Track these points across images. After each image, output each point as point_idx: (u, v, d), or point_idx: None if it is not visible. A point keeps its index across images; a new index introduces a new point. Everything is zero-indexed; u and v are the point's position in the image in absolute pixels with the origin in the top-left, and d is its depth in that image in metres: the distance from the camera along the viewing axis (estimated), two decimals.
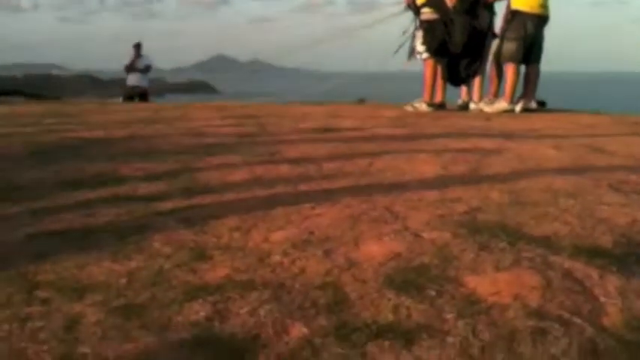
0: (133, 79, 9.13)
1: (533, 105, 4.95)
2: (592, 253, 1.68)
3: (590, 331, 1.30)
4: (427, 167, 3.14)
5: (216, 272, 1.66)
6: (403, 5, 4.67)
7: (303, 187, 2.71)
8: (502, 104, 4.68)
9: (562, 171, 2.97)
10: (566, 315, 1.36)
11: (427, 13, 4.56)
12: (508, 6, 4.51)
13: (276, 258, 1.74)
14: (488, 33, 4.67)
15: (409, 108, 5.40)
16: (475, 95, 5.27)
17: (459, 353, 1.22)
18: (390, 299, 1.44)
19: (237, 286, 1.56)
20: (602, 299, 1.44)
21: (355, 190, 2.56)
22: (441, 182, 2.74)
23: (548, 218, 2.03)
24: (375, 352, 1.23)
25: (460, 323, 1.32)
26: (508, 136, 4.17)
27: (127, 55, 9.08)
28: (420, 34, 4.75)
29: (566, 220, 2.00)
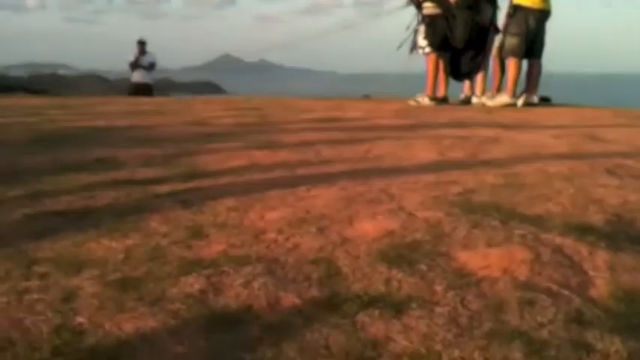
0: (137, 76, 9.02)
1: (535, 99, 4.95)
2: (583, 231, 1.70)
3: (577, 301, 1.33)
4: (425, 153, 3.16)
5: (211, 248, 1.69)
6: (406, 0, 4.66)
7: (300, 171, 2.74)
8: (504, 98, 4.68)
9: (558, 156, 2.99)
10: (555, 287, 1.38)
11: (429, 8, 4.56)
12: (510, 1, 4.50)
13: (271, 235, 1.77)
14: (490, 28, 4.67)
15: (412, 102, 5.42)
16: (478, 90, 5.27)
17: (447, 322, 1.24)
18: (381, 272, 1.46)
19: (231, 260, 1.59)
20: (591, 273, 1.46)
21: (352, 174, 2.58)
22: (437, 167, 2.76)
23: (541, 199, 2.05)
24: (365, 321, 1.26)
25: (449, 294, 1.35)
26: (507, 126, 4.18)
27: (131, 53, 9.01)
28: (422, 28, 4.74)
29: (559, 201, 2.02)
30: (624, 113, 5.21)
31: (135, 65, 8.99)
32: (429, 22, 4.50)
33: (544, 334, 1.20)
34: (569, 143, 3.47)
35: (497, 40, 4.76)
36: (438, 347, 1.16)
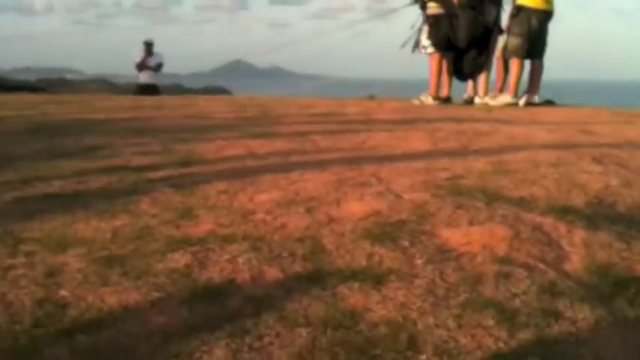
0: (144, 77, 8.85)
1: (537, 99, 4.97)
2: (563, 211, 1.74)
3: (551, 274, 1.36)
4: (419, 143, 3.20)
5: (199, 227, 1.73)
6: None
7: (294, 159, 2.77)
8: (506, 98, 4.70)
9: (548, 147, 3.02)
10: (532, 261, 1.42)
11: (433, 8, 4.57)
12: (513, 1, 4.50)
13: (260, 215, 1.80)
14: (494, 28, 4.67)
15: (416, 101, 5.45)
16: (481, 90, 5.28)
17: (424, 293, 1.28)
18: (364, 248, 1.50)
19: (218, 238, 1.62)
20: (567, 249, 1.49)
21: (346, 161, 2.62)
22: (429, 155, 2.80)
23: (526, 183, 2.08)
24: (345, 293, 1.30)
25: (429, 268, 1.39)
26: (504, 121, 4.21)
27: (138, 54, 8.84)
28: (425, 28, 4.75)
29: (543, 185, 2.05)
30: (621, 112, 5.23)
31: (142, 66, 8.81)
32: (433, 22, 4.52)
33: (517, 303, 1.24)
34: (560, 136, 3.50)
35: (501, 40, 4.76)
36: (414, 316, 1.20)
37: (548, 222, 1.64)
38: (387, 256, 1.45)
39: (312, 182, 2.17)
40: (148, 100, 6.53)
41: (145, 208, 1.97)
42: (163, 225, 1.77)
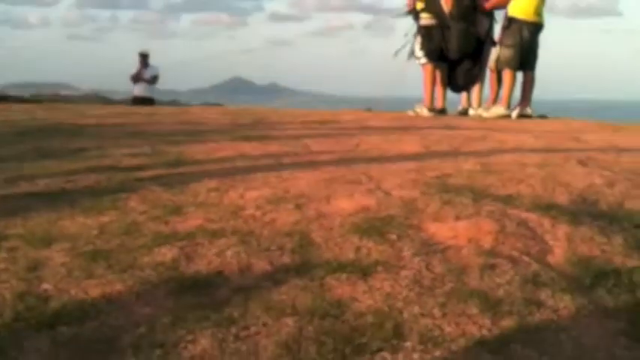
0: (139, 90, 8.58)
1: (529, 111, 5.06)
2: (548, 208, 1.77)
3: (535, 266, 1.38)
4: (410, 147, 3.23)
5: (188, 223, 1.73)
6: (406, 9, 4.73)
7: (286, 160, 2.79)
8: (499, 109, 4.76)
9: (536, 150, 3.07)
10: (516, 254, 1.44)
11: (425, 19, 4.63)
12: (505, 13, 4.59)
13: (249, 211, 1.81)
14: (487, 40, 4.73)
15: (411, 113, 5.51)
16: (474, 102, 5.35)
17: (410, 283, 1.30)
18: (352, 242, 1.51)
19: (207, 233, 1.63)
20: (551, 242, 1.52)
21: (337, 162, 2.64)
22: (420, 157, 2.83)
23: (513, 181, 2.11)
24: (332, 284, 1.31)
25: (415, 260, 1.40)
26: (495, 129, 4.26)
27: (133, 65, 8.62)
28: (418, 39, 4.81)
29: (529, 183, 2.08)
30: (610, 124, 5.32)
31: (137, 78, 8.60)
32: (425, 33, 4.58)
33: (500, 293, 1.26)
34: (548, 142, 3.55)
35: (494, 52, 4.83)
36: (400, 305, 1.22)
37: (533, 217, 1.67)
38: (374, 249, 1.46)
39: (303, 180, 2.19)
40: (142, 109, 6.52)
41: (133, 205, 1.96)
42: (151, 221, 1.77)
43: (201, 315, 1.20)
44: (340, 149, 3.15)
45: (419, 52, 4.80)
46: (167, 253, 1.49)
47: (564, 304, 1.22)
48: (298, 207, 1.82)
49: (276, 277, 1.35)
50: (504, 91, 4.60)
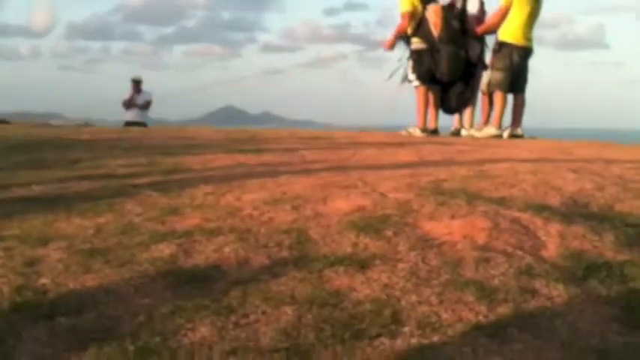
0: (131, 115, 8.36)
1: (520, 132, 5.18)
2: (540, 209, 1.80)
3: (529, 259, 1.41)
4: (405, 157, 3.28)
5: (185, 222, 1.74)
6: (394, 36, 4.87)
7: (282, 168, 2.81)
8: (491, 129, 4.86)
9: (528, 160, 3.13)
10: (510, 249, 1.47)
11: (416, 43, 4.76)
12: (496, 38, 4.74)
13: (247, 211, 1.83)
14: (478, 63, 4.86)
15: (404, 133, 5.62)
16: (467, 123, 5.45)
17: (407, 275, 1.31)
18: (349, 238, 1.53)
19: (204, 232, 1.64)
20: (544, 238, 1.55)
21: (333, 169, 2.68)
22: (415, 165, 2.87)
23: (506, 185, 2.15)
24: (330, 276, 1.32)
25: (412, 254, 1.42)
26: (488, 145, 4.35)
27: (125, 93, 8.55)
28: (410, 63, 4.95)
29: (521, 187, 2.12)
30: (599, 142, 5.45)
31: (129, 104, 8.56)
32: (416, 57, 4.71)
33: (495, 282, 1.28)
34: (540, 154, 3.62)
35: (485, 76, 4.96)
36: (398, 294, 1.23)
37: (525, 217, 1.70)
38: (371, 244, 1.48)
39: (299, 184, 2.21)
40: (135, 128, 6.56)
41: (129, 208, 1.97)
42: (148, 221, 1.77)
43: (200, 305, 1.20)
44: (335, 159, 3.19)
45: (411, 76, 4.91)
46: (165, 250, 1.50)
47: (558, 292, 1.24)
48: (295, 207, 1.84)
49: (275, 270, 1.36)
50: (496, 113, 4.69)
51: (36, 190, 2.30)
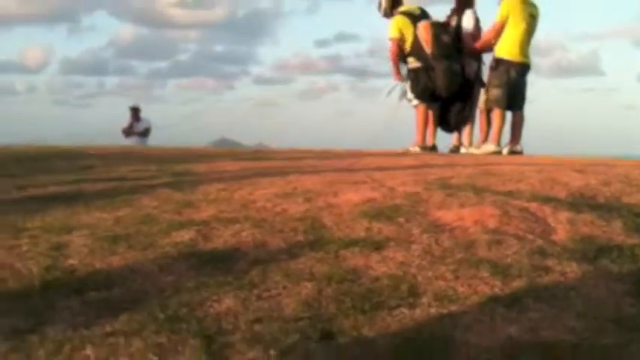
0: (130, 143, 8.17)
1: (519, 148, 5.23)
2: (548, 199, 1.84)
3: (540, 242, 1.45)
4: (408, 162, 3.35)
5: (201, 213, 1.78)
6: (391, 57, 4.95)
7: (290, 170, 2.87)
8: (490, 146, 4.90)
9: (532, 164, 3.19)
10: (521, 232, 1.51)
11: (412, 62, 4.84)
12: (493, 55, 4.80)
13: (260, 204, 1.87)
14: (475, 81, 4.92)
15: (403, 151, 5.66)
16: (465, 140, 5.49)
17: (422, 254, 1.35)
18: (362, 224, 1.57)
19: (221, 220, 1.68)
20: (553, 224, 1.59)
21: (340, 171, 2.73)
22: (419, 167, 2.93)
23: (512, 181, 2.20)
24: (347, 256, 1.36)
25: (425, 236, 1.46)
26: (488, 158, 4.41)
27: (124, 119, 8.64)
28: (408, 82, 5.01)
29: (528, 182, 2.17)
30: (598, 157, 5.52)
31: (128, 132, 8.64)
32: (413, 76, 4.78)
33: (509, 260, 1.31)
34: (543, 161, 3.69)
35: (483, 94, 5.01)
36: (414, 271, 1.27)
37: (534, 206, 1.74)
38: (384, 229, 1.52)
39: (309, 181, 2.26)
40: (138, 150, 6.64)
41: (146, 202, 2.01)
42: (165, 213, 1.82)
43: (223, 281, 1.24)
44: (342, 165, 3.25)
45: (410, 95, 4.98)
46: (184, 235, 1.54)
47: (571, 269, 1.27)
48: (307, 199, 1.88)
49: (292, 251, 1.40)
50: (494, 130, 4.71)
51: (53, 190, 2.35)
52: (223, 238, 1.52)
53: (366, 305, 1.12)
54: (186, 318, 1.08)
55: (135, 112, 8.59)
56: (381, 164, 3.16)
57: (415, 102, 4.87)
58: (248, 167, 3.09)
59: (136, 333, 1.03)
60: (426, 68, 4.54)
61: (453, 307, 1.12)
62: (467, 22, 4.57)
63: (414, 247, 1.40)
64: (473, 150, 5.29)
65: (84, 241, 1.53)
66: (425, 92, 4.61)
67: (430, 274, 1.25)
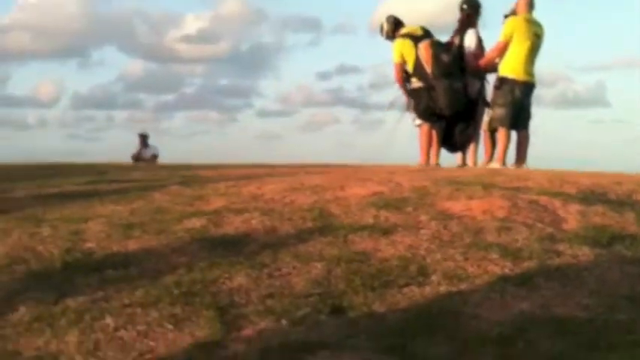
0: None
1: (525, 168, 5.21)
2: (557, 194, 1.84)
3: (550, 229, 1.45)
4: (414, 167, 3.37)
5: (211, 205, 1.80)
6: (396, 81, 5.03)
7: (298, 171, 2.90)
8: (495, 165, 4.88)
9: (539, 170, 3.20)
10: (530, 221, 1.51)
11: (414, 82, 4.89)
12: (497, 74, 4.82)
13: (269, 196, 1.88)
14: (479, 100, 4.94)
15: None
16: (470, 160, 5.45)
17: (430, 238, 1.35)
18: (370, 212, 1.58)
19: (231, 211, 1.69)
20: (564, 215, 1.58)
21: (346, 172, 2.76)
22: (426, 169, 2.95)
23: (520, 179, 2.20)
24: (355, 240, 1.37)
25: (433, 223, 1.47)
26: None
27: (133, 146, 8.87)
28: (411, 102, 5.05)
29: (536, 181, 2.16)
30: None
31: (137, 159, 8.80)
32: (415, 95, 4.82)
33: (519, 244, 1.31)
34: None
35: (487, 114, 5.02)
36: (422, 253, 1.27)
37: (543, 199, 1.74)
38: (392, 217, 1.53)
39: (316, 178, 2.28)
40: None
41: (158, 197, 2.04)
42: (177, 205, 1.84)
43: (235, 261, 1.25)
44: (347, 169, 3.27)
45: (413, 115, 5.01)
46: (196, 222, 1.56)
47: (583, 252, 1.27)
48: (315, 192, 1.90)
49: (301, 236, 1.41)
50: (499, 149, 4.67)
51: (70, 189, 2.40)
52: (234, 225, 1.53)
53: (375, 283, 1.13)
54: (200, 293, 1.10)
55: (143, 138, 8.68)
56: (386, 168, 3.18)
57: (418, 122, 4.89)
58: (255, 171, 3.13)
59: (152, 305, 1.05)
60: (428, 88, 4.57)
61: (463, 286, 1.12)
62: (469, 41, 4.60)
63: (422, 232, 1.40)
64: None
65: (101, 227, 1.56)
66: (427, 112, 4.62)
67: (439, 256, 1.25)
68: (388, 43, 4.27)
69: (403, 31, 4.28)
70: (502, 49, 4.11)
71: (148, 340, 0.97)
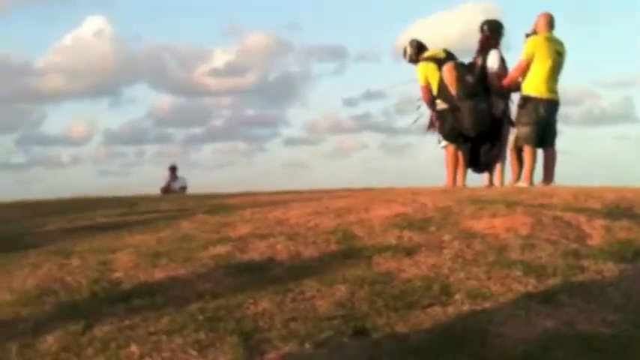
0: None
1: (553, 186, 5.10)
2: (582, 210, 1.82)
3: (574, 245, 1.43)
4: (439, 188, 3.36)
5: (237, 231, 1.85)
6: (421, 102, 5.10)
7: (322, 196, 2.94)
8: (522, 184, 4.83)
9: (565, 186, 3.14)
10: (554, 237, 1.49)
11: (439, 104, 4.93)
12: (520, 93, 4.83)
13: (293, 221, 1.93)
14: (503, 119, 4.94)
15: None
16: (497, 180, 5.39)
17: (453, 257, 1.36)
18: (394, 233, 1.60)
19: (256, 236, 1.74)
20: (588, 231, 1.56)
21: (371, 195, 2.79)
22: (451, 190, 2.94)
23: (545, 196, 2.17)
24: (379, 261, 1.39)
25: (456, 242, 1.47)
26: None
27: (162, 178, 9.18)
28: (437, 124, 5.09)
29: (561, 197, 2.14)
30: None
31: (167, 190, 9.09)
32: (440, 117, 4.85)
33: (543, 261, 1.30)
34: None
35: (512, 133, 5.00)
36: (446, 272, 1.28)
37: (568, 215, 1.72)
38: (415, 237, 1.54)
39: (340, 202, 2.31)
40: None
41: (185, 225, 2.12)
42: (203, 232, 1.90)
43: (259, 286, 1.28)
44: (372, 193, 3.30)
45: (439, 136, 5.03)
46: (221, 249, 1.61)
47: (608, 268, 1.25)
48: (339, 215, 1.93)
49: (325, 259, 1.44)
50: (526, 168, 4.60)
51: (100, 221, 2.51)
52: (259, 250, 1.57)
53: (398, 304, 1.14)
54: (224, 318, 1.13)
55: (173, 170, 8.95)
56: (411, 189, 3.18)
57: (444, 143, 4.88)
58: (280, 197, 3.18)
59: (176, 332, 1.09)
60: (452, 109, 4.59)
61: (487, 304, 1.11)
62: (492, 61, 4.62)
63: (445, 251, 1.41)
64: None
65: (128, 257, 1.63)
66: (452, 133, 4.63)
67: (462, 275, 1.25)
68: (411, 66, 4.34)
69: (426, 54, 4.35)
70: (524, 68, 4.11)
71: None
